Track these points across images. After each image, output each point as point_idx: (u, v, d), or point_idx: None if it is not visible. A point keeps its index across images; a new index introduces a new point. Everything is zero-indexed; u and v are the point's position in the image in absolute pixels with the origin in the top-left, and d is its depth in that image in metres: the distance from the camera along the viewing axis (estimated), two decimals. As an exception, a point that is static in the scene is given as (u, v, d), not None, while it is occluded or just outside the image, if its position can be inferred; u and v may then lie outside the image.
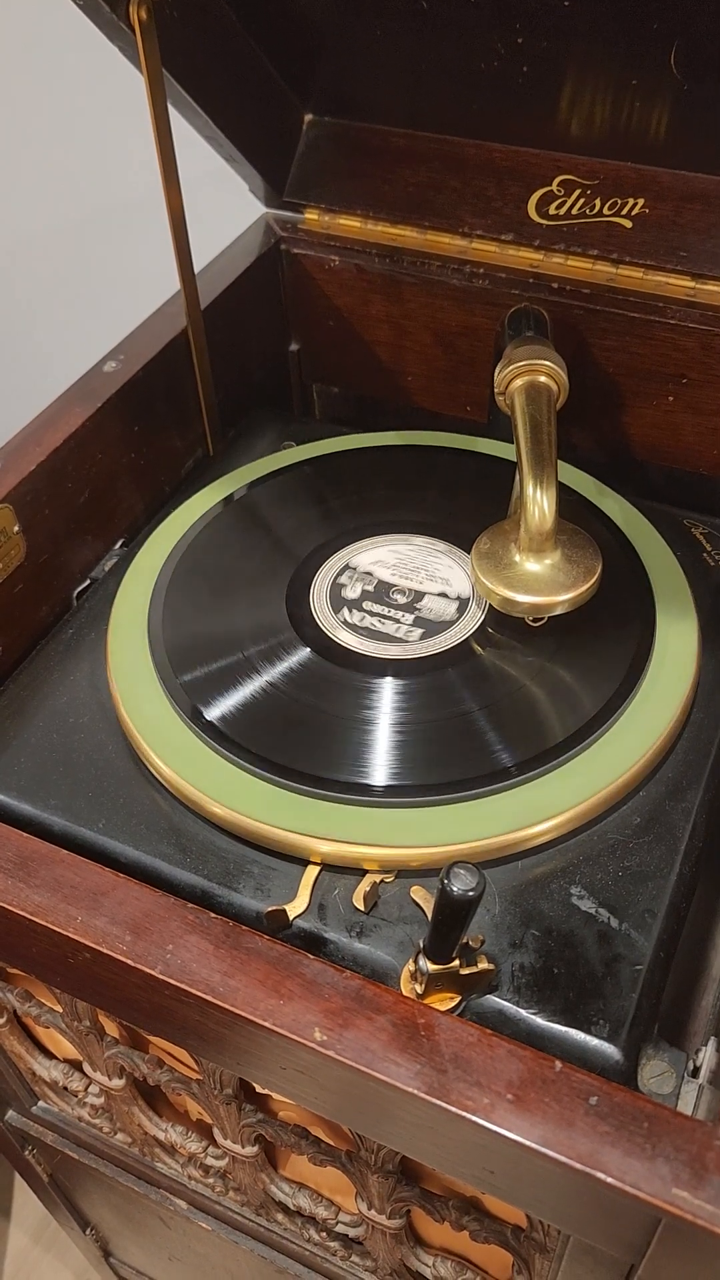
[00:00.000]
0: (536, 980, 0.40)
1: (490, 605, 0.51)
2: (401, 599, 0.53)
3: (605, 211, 0.62)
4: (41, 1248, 1.05)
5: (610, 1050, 0.38)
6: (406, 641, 0.51)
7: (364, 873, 0.44)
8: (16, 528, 0.54)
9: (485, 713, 0.48)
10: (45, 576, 0.57)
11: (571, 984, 0.40)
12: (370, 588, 0.54)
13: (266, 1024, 0.35)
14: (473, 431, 0.65)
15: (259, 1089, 0.47)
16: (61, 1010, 0.51)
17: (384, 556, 0.56)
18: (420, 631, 0.52)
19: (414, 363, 0.72)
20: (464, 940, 0.38)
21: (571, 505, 0.58)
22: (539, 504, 0.48)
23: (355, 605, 0.53)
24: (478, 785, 0.45)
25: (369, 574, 0.55)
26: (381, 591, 0.54)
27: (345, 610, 0.53)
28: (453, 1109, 0.33)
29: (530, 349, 0.54)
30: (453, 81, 0.60)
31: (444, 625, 0.52)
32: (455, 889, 0.34)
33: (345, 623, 0.52)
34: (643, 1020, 0.40)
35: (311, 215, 0.70)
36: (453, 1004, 0.39)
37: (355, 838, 0.43)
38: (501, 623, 0.52)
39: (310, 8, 0.58)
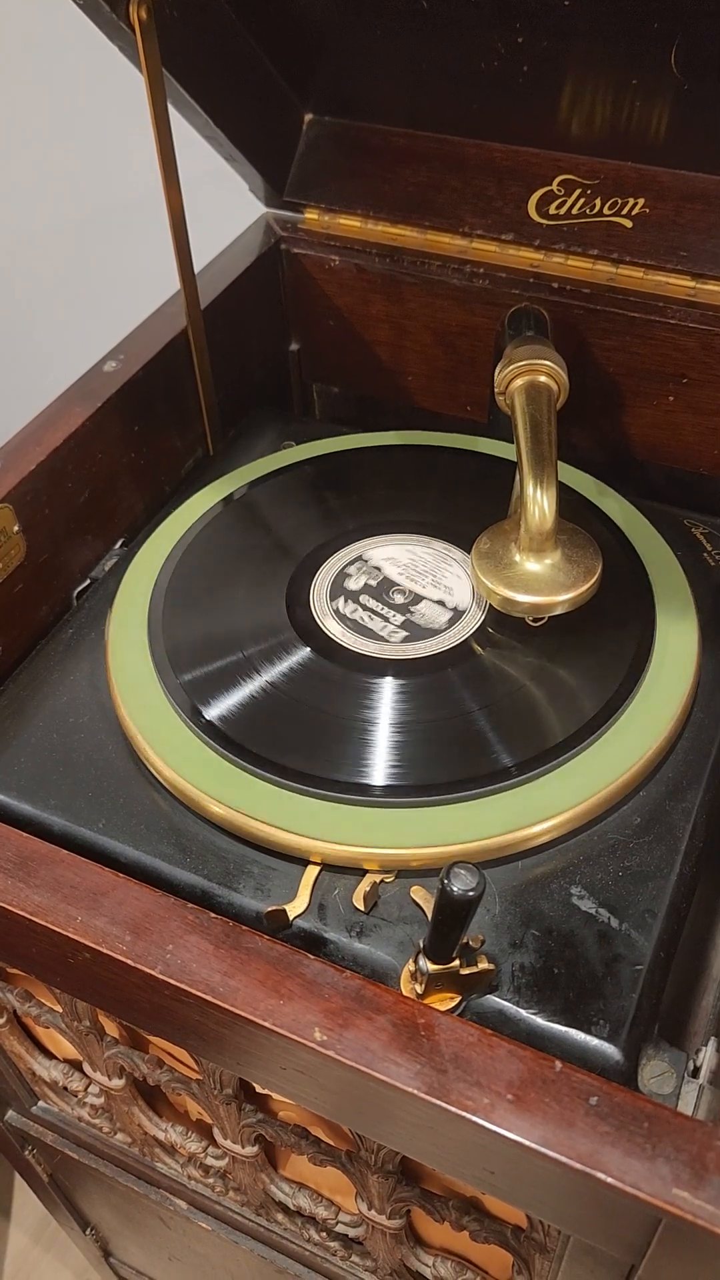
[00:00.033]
0: (537, 980, 0.40)
1: (490, 605, 0.51)
2: (399, 599, 0.53)
3: (605, 211, 0.62)
4: (41, 1248, 1.05)
5: (610, 1050, 0.38)
6: (388, 641, 0.51)
7: (364, 873, 0.44)
8: (16, 527, 0.54)
9: (485, 713, 0.48)
10: (45, 576, 0.57)
11: (572, 984, 0.40)
12: (374, 582, 0.54)
13: (266, 1024, 0.35)
14: (473, 431, 0.65)
15: (259, 1089, 0.47)
16: (61, 1010, 0.51)
17: (398, 555, 0.56)
18: (404, 635, 0.52)
19: (414, 362, 0.72)
20: (464, 940, 0.38)
21: (572, 505, 0.58)
22: (539, 504, 0.48)
23: (353, 597, 0.53)
24: (478, 785, 0.45)
25: (378, 569, 0.55)
26: (383, 588, 0.54)
27: (340, 600, 0.53)
28: (453, 1109, 0.33)
29: (530, 349, 0.54)
30: (453, 81, 0.60)
31: (431, 633, 0.52)
32: (455, 889, 0.34)
33: (336, 612, 0.52)
34: (643, 1020, 0.40)
35: (311, 215, 0.70)
36: (453, 1004, 0.39)
37: (355, 838, 0.43)
38: (501, 623, 0.52)
39: (310, 8, 0.58)
